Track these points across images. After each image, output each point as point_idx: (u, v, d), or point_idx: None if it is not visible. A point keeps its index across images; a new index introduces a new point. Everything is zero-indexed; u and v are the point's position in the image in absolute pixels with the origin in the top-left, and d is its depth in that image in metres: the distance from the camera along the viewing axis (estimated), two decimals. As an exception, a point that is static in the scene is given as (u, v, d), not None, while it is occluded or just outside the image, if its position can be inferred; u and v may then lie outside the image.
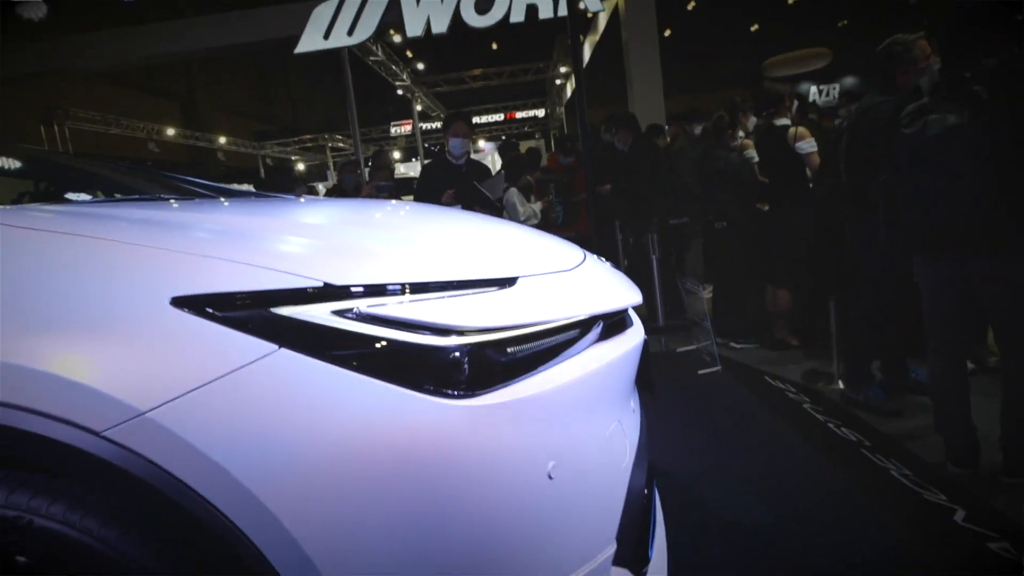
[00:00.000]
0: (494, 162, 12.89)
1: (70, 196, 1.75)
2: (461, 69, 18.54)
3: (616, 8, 9.93)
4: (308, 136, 24.19)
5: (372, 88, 16.66)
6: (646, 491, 1.16)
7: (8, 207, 0.96)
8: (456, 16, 8.43)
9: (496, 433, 0.84)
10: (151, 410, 0.73)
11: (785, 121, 3.99)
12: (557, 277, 1.14)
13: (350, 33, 8.83)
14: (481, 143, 22.03)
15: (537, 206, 5.11)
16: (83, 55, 10.98)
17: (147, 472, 0.73)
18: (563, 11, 7.78)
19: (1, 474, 0.78)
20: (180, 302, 0.78)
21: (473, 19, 8.42)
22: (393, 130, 22.92)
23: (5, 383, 0.74)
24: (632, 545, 1.05)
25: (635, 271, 4.76)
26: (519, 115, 23.75)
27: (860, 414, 2.88)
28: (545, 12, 8.45)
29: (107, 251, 0.84)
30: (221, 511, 0.74)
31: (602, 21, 11.37)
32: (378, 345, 0.81)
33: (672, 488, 2.21)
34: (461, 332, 0.85)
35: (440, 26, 8.48)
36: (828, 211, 3.45)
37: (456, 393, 0.82)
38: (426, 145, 20.39)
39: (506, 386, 0.87)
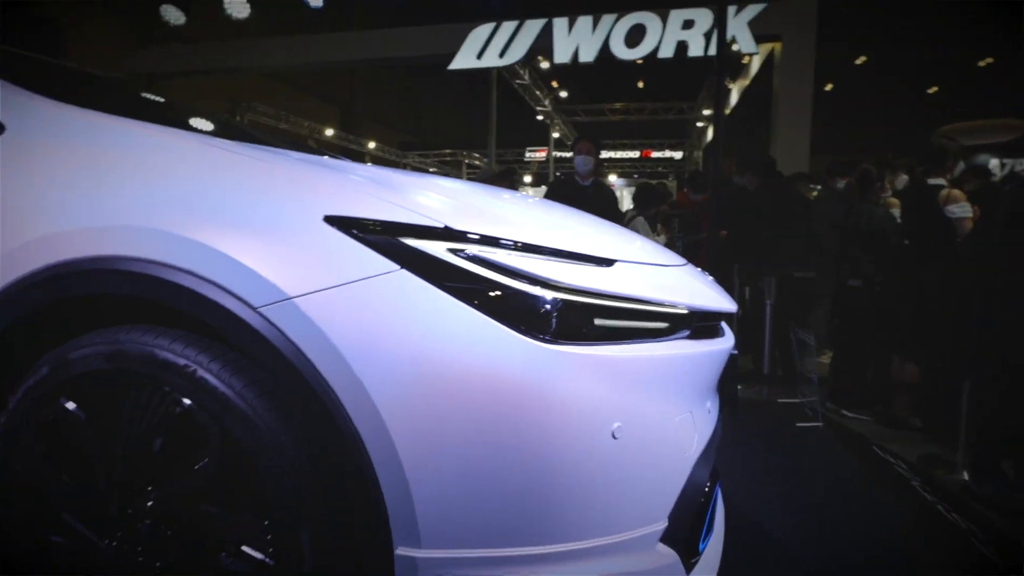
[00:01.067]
0: (623, 198, 12.92)
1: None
2: (602, 101, 18.81)
3: (772, 54, 9.70)
4: (448, 151, 25.55)
5: (513, 111, 17.36)
6: (707, 489, 1.19)
7: (219, 138, 1.21)
8: (605, 47, 8.65)
9: (573, 379, 0.93)
10: (296, 297, 0.91)
11: (940, 181, 3.72)
12: (653, 268, 1.22)
13: (502, 55, 9.36)
14: (612, 178, 22.12)
15: (661, 239, 5.11)
16: (263, 57, 12.48)
17: (285, 346, 0.90)
18: (714, 50, 7.77)
19: (180, 333, 0.99)
20: (330, 219, 0.96)
21: (622, 51, 8.61)
22: (528, 155, 23.60)
23: (197, 257, 0.94)
24: (683, 531, 1.08)
25: (748, 319, 4.61)
26: (655, 155, 23.55)
27: (980, 508, 2.60)
28: (695, 50, 8.45)
29: (284, 173, 1.05)
30: (334, 389, 0.89)
31: (755, 65, 11.14)
32: (482, 283, 0.94)
33: (743, 525, 2.14)
34: (556, 287, 0.97)
35: (588, 55, 8.75)
36: (974, 282, 3.17)
37: (545, 337, 0.93)
38: (557, 173, 20.83)
39: (591, 344, 0.97)
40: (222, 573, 0.96)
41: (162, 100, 2.05)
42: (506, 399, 0.90)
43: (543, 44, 9.24)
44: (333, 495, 0.94)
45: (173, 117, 1.90)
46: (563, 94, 17.69)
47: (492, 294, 0.94)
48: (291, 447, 0.93)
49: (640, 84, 18.19)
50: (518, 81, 13.89)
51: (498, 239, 1.00)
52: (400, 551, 0.91)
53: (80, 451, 1.02)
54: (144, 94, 2.10)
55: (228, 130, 2.00)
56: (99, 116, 1.21)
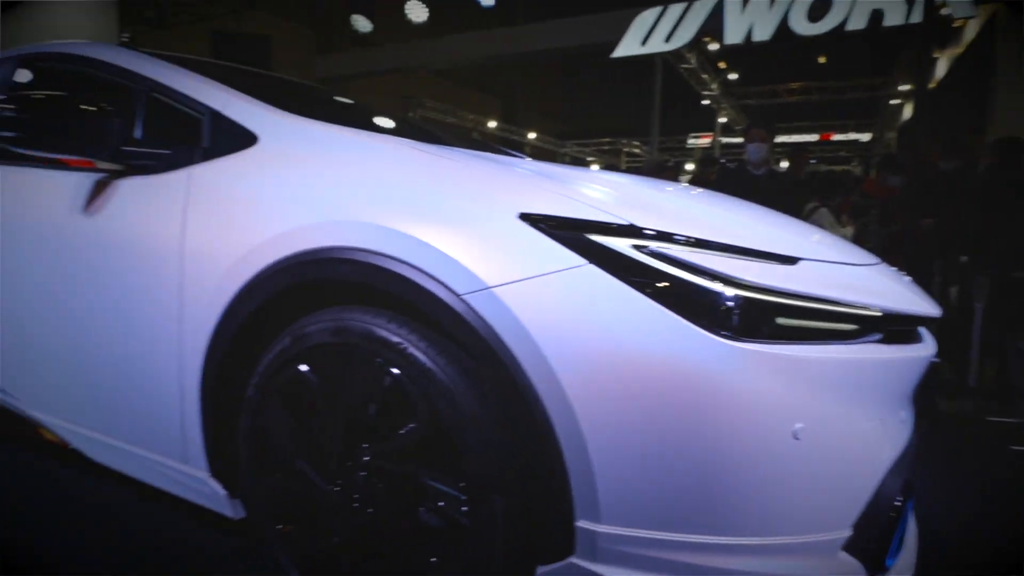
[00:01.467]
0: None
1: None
2: (776, 82, 17.42)
3: (994, 15, 8.29)
4: (606, 139, 25.31)
5: (675, 96, 16.69)
6: (898, 502, 1.12)
7: (423, 143, 1.37)
8: (783, 23, 8.01)
9: (754, 376, 0.94)
10: (495, 286, 1.01)
11: None
12: (842, 268, 1.17)
13: (667, 39, 9.08)
14: (785, 165, 20.41)
15: (847, 231, 4.67)
16: (434, 56, 13.27)
17: (484, 330, 1.01)
18: (917, 17, 6.84)
19: (393, 314, 1.14)
20: (525, 217, 1.05)
21: (803, 27, 7.92)
22: (691, 142, 22.61)
23: (411, 249, 1.09)
24: (869, 543, 1.03)
25: (953, 324, 4.04)
26: (836, 137, 21.28)
27: None
28: (894, 18, 7.51)
29: (482, 174, 1.18)
30: (526, 371, 0.99)
31: (970, 31, 9.61)
32: (666, 279, 0.98)
33: (938, 551, 1.94)
34: (739, 284, 0.98)
35: (763, 34, 8.17)
36: None
37: (726, 334, 0.95)
38: (722, 160, 19.69)
39: (773, 342, 0.97)
40: (421, 526, 1.11)
41: (369, 108, 2.33)
42: (687, 391, 0.93)
43: (712, 25, 8.79)
44: (522, 466, 1.04)
45: (379, 123, 2.15)
46: (732, 76, 16.65)
47: (675, 290, 0.97)
48: (486, 420, 1.04)
49: (822, 60, 16.54)
50: (683, 65, 13.36)
51: (682, 236, 1.03)
52: (581, 523, 0.98)
53: (313, 409, 1.23)
54: (341, 99, 2.39)
55: (425, 134, 2.22)
56: (326, 126, 1.42)
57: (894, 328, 1.14)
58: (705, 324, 0.95)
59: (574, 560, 1.01)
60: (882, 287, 1.19)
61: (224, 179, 1.39)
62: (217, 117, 1.47)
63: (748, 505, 0.95)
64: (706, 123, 19.68)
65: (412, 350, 1.08)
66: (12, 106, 1.46)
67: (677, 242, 1.03)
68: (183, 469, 1.48)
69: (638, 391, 0.94)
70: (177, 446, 1.47)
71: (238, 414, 1.36)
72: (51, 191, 1.68)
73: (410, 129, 2.40)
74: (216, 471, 1.43)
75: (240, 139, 1.42)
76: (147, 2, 11.52)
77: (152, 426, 1.52)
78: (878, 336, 1.09)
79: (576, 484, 0.98)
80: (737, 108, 18.39)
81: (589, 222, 1.03)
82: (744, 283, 0.98)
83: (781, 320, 1.00)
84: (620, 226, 1.02)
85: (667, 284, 0.97)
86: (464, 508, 1.06)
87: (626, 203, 1.14)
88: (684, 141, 22.80)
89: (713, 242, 1.04)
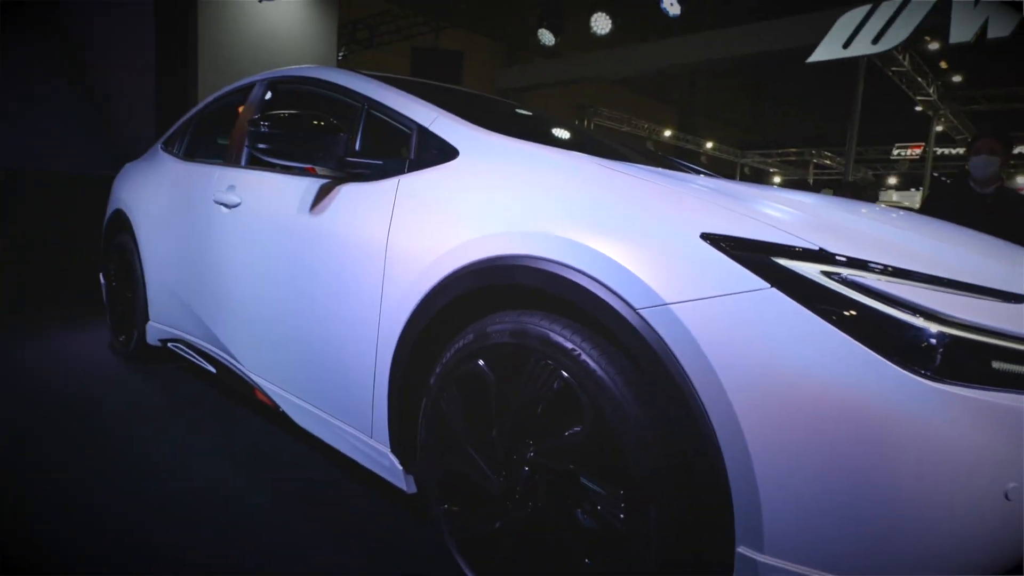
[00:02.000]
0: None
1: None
2: (1014, 83, 14.84)
3: None
4: (792, 149, 23.45)
5: (879, 102, 14.91)
6: None
7: (605, 159, 1.42)
8: (1031, 16, 6.81)
9: (958, 422, 0.85)
10: (672, 303, 1.03)
11: None
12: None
13: (876, 41, 8.17)
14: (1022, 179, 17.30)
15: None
16: (614, 66, 13.23)
17: (657, 344, 1.03)
18: None
19: (567, 321, 1.20)
20: (707, 237, 1.05)
21: (1056, 20, 6.67)
22: (896, 152, 20.14)
23: (592, 261, 1.14)
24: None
25: None
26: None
27: None
28: None
29: (663, 192, 1.19)
30: (696, 388, 0.99)
31: None
32: (858, 309, 0.92)
33: None
34: (947, 321, 0.90)
35: (1001, 29, 7.02)
36: None
37: (926, 372, 0.87)
38: (934, 174, 17.24)
39: (985, 389, 0.87)
40: (578, 526, 1.15)
41: (548, 118, 2.44)
42: (874, 428, 0.87)
43: (934, 22, 7.74)
44: (683, 482, 1.04)
45: (559, 135, 2.25)
46: (956, 78, 14.50)
47: (867, 321, 0.91)
48: (650, 431, 1.05)
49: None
50: (893, 68, 11.93)
51: (879, 264, 0.97)
52: (741, 550, 0.96)
53: (486, 402, 1.33)
54: (522, 110, 2.51)
55: (602, 147, 2.27)
56: (517, 142, 1.53)
57: None
58: (901, 361, 0.88)
59: (731, 586, 0.98)
60: None
61: (427, 189, 1.55)
62: (424, 132, 1.65)
63: (941, 563, 0.86)
64: (916, 131, 17.40)
65: (584, 357, 1.13)
66: (266, 122, 1.76)
67: (872, 270, 0.96)
68: (369, 442, 1.67)
69: (816, 422, 0.90)
70: (366, 421, 1.67)
71: (419, 399, 1.51)
72: (285, 193, 2.00)
73: (589, 141, 2.47)
74: (395, 448, 1.60)
75: (444, 153, 1.58)
76: (360, 25, 13.05)
77: (347, 401, 1.74)
78: None
79: (739, 508, 0.96)
80: (960, 115, 16.00)
81: (774, 245, 1.00)
82: (954, 320, 0.89)
83: (999, 364, 0.90)
84: (808, 250, 0.98)
85: (858, 314, 0.92)
86: (621, 515, 1.08)
87: (814, 225, 1.09)
88: (887, 152, 20.39)
89: (916, 273, 0.96)
